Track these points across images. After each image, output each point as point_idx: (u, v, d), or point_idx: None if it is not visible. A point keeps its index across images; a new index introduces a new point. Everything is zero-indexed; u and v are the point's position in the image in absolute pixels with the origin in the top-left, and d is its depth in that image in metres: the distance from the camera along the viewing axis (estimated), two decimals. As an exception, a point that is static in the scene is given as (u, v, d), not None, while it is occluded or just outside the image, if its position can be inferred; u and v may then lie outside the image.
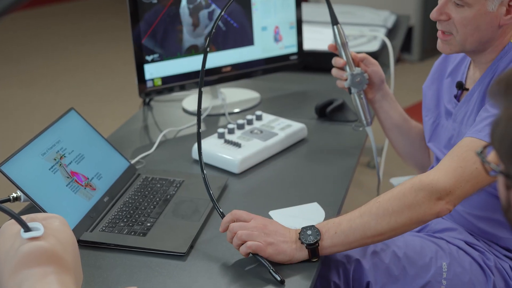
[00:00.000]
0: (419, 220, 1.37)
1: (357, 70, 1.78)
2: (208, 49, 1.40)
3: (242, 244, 1.35)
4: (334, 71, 1.82)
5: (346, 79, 1.79)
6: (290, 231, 1.38)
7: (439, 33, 1.58)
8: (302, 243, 1.35)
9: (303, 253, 1.36)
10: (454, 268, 1.56)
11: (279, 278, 1.30)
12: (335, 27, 1.78)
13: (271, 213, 1.56)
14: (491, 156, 0.86)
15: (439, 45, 1.59)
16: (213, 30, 1.38)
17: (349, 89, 1.79)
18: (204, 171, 1.45)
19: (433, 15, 1.55)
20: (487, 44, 1.54)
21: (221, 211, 1.44)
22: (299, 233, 1.36)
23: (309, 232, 1.35)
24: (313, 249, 1.35)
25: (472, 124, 1.56)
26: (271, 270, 1.32)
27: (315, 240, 1.35)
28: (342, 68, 1.80)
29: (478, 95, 1.57)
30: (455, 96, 1.67)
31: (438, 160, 1.73)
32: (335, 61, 1.80)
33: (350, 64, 1.79)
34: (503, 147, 0.82)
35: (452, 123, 1.66)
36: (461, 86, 1.66)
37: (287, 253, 1.35)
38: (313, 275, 1.34)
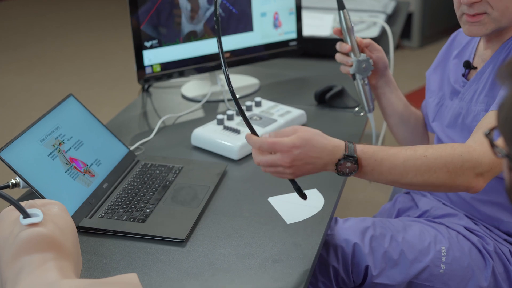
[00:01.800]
0: (451, 187, 1.35)
1: (362, 56, 1.75)
2: (220, 34, 1.35)
3: None
4: (338, 56, 1.78)
5: (351, 65, 1.77)
6: (324, 156, 1.31)
7: (466, 18, 1.52)
8: (336, 169, 1.31)
9: (333, 171, 1.32)
10: (453, 253, 1.57)
11: (305, 196, 1.36)
12: (341, 12, 1.74)
13: (271, 199, 1.57)
14: (499, 138, 0.86)
15: (469, 29, 1.53)
16: (218, 18, 1.35)
17: (353, 75, 1.77)
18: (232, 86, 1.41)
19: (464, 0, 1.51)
20: None
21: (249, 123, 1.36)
22: (339, 160, 1.30)
23: (348, 164, 1.30)
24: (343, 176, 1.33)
25: (483, 101, 1.55)
26: (296, 188, 1.36)
27: (350, 174, 1.32)
28: (346, 54, 1.78)
29: (490, 72, 1.56)
30: (463, 75, 1.67)
31: (439, 141, 1.73)
32: (341, 46, 1.76)
33: (355, 50, 1.75)
34: (507, 130, 0.82)
35: (459, 102, 1.65)
36: (468, 65, 1.65)
37: (314, 172, 1.33)
38: (311, 261, 1.34)
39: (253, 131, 1.34)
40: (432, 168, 1.32)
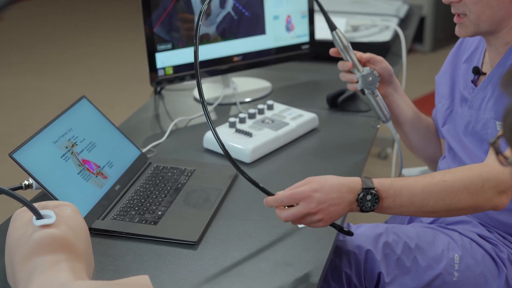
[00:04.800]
0: (476, 208, 1.34)
1: (366, 70, 1.74)
2: (197, 42, 1.34)
3: None
4: (342, 75, 1.79)
5: (357, 81, 1.77)
6: (345, 194, 1.30)
7: (454, 17, 1.56)
8: (358, 205, 1.31)
9: (356, 209, 1.32)
10: (466, 260, 1.56)
11: (351, 232, 1.38)
12: (334, 32, 1.75)
13: (282, 202, 1.56)
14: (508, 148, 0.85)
15: (456, 29, 1.57)
16: (199, 24, 1.33)
17: (362, 90, 1.76)
18: (223, 143, 1.33)
19: None
20: (503, 24, 1.52)
21: (247, 175, 1.33)
22: (359, 195, 1.30)
23: (369, 197, 1.30)
24: (367, 211, 1.32)
25: (492, 109, 1.55)
26: (337, 229, 1.36)
27: (373, 208, 1.31)
28: (349, 71, 1.77)
29: (498, 79, 1.56)
30: (472, 81, 1.66)
31: (450, 148, 1.72)
32: (342, 65, 1.77)
33: (357, 66, 1.75)
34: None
35: (468, 110, 1.64)
36: (477, 71, 1.64)
37: (343, 214, 1.32)
38: (323, 265, 1.33)
39: (268, 193, 1.33)
40: (453, 192, 1.32)
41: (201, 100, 1.34)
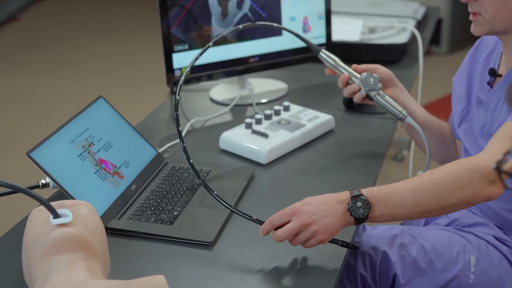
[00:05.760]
0: (469, 202, 1.33)
1: (363, 74, 1.77)
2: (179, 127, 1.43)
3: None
4: (345, 91, 1.81)
5: (359, 89, 1.77)
6: (335, 205, 1.31)
7: (470, 15, 1.56)
8: (351, 215, 1.31)
9: (351, 221, 1.32)
10: (482, 263, 1.55)
11: (356, 245, 1.37)
12: (320, 54, 1.81)
13: (298, 204, 1.56)
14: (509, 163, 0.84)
15: (471, 27, 1.57)
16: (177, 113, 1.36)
17: (368, 95, 1.77)
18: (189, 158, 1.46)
19: None
20: None
21: (215, 193, 1.42)
22: (349, 204, 1.30)
23: (359, 204, 1.30)
24: (361, 219, 1.32)
25: (506, 111, 1.54)
26: (340, 245, 1.35)
27: (366, 214, 1.31)
28: (348, 83, 1.80)
29: None
30: (488, 83, 1.65)
31: (466, 149, 1.71)
32: (340, 80, 1.80)
33: (353, 73, 1.78)
34: None
35: (484, 112, 1.63)
36: (494, 73, 1.63)
37: (339, 228, 1.32)
38: (339, 266, 1.33)
39: (259, 222, 1.37)
40: (443, 187, 1.31)
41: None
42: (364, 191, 1.33)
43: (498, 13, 1.50)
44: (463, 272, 1.53)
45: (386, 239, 1.55)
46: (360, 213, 1.31)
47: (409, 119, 1.77)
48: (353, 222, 1.32)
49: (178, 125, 1.48)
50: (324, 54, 1.80)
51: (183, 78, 1.51)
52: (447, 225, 1.71)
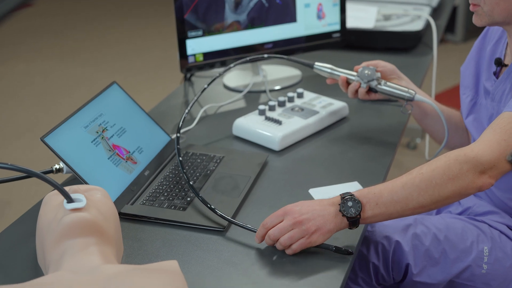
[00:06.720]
0: (461, 194, 1.32)
1: (358, 70, 1.80)
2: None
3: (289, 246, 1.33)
4: (348, 92, 1.82)
5: (359, 85, 1.78)
6: (326, 206, 1.33)
7: (470, 6, 1.55)
8: (343, 215, 1.31)
9: (345, 223, 1.32)
10: (495, 253, 1.54)
11: (349, 251, 1.33)
12: (314, 67, 1.85)
13: (311, 191, 1.56)
14: None
15: (473, 18, 1.55)
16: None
17: (370, 88, 1.78)
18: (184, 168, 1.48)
19: None
20: None
21: (201, 196, 1.46)
22: (339, 205, 1.31)
23: (350, 203, 1.31)
24: (354, 220, 1.32)
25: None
26: (333, 251, 1.32)
27: (357, 213, 1.31)
28: (348, 83, 1.81)
29: None
30: (494, 73, 1.64)
31: (475, 140, 1.70)
32: (340, 84, 1.83)
33: (348, 73, 1.81)
34: None
35: (491, 102, 1.62)
36: (500, 63, 1.62)
37: (332, 230, 1.31)
38: (351, 256, 1.33)
39: (254, 230, 1.38)
40: (433, 181, 1.30)
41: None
42: (355, 192, 1.33)
43: (496, 5, 1.48)
44: (476, 262, 1.53)
45: (399, 229, 1.54)
46: (352, 212, 1.30)
47: (418, 97, 1.76)
48: (347, 225, 1.32)
49: (179, 155, 1.47)
50: (318, 65, 1.85)
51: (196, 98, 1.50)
52: (460, 213, 1.71)
